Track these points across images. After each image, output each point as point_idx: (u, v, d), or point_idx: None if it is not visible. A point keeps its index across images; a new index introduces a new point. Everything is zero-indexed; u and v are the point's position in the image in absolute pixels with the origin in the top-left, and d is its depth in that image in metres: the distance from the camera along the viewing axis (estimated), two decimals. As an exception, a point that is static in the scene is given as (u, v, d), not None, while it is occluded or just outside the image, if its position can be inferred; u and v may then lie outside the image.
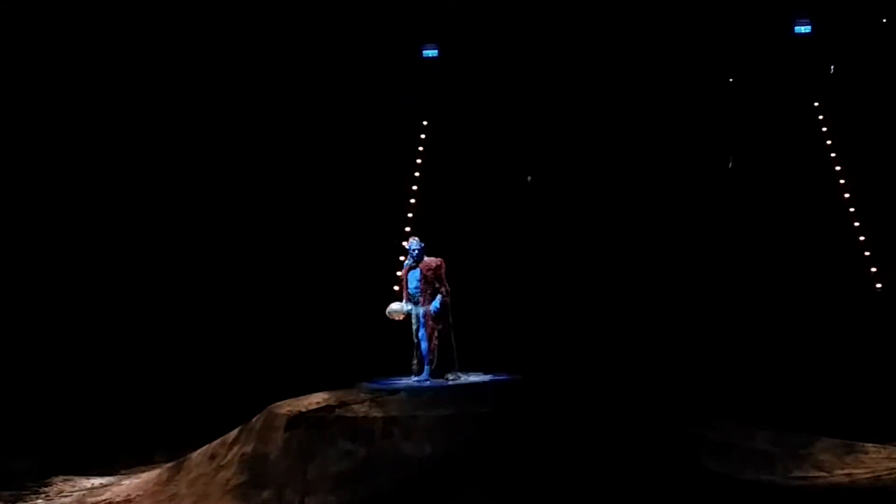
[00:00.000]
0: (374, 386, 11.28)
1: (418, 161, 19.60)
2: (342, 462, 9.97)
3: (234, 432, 10.97)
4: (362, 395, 10.90)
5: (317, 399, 10.91)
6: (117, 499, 10.87)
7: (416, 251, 11.56)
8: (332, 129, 19.51)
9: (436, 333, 11.40)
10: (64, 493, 11.33)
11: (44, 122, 18.42)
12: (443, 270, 11.47)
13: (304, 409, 10.60)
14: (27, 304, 16.31)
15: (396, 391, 11.01)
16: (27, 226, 17.28)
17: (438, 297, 11.42)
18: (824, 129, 19.35)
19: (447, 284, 11.44)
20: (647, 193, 18.20)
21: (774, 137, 19.02)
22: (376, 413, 10.37)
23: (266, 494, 9.96)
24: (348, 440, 10.10)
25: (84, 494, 11.24)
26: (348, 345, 15.40)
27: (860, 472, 10.83)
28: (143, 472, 11.93)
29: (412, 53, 20.52)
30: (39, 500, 11.13)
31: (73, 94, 18.80)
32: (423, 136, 20.11)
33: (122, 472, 12.24)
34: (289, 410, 10.62)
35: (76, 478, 11.96)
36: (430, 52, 20.64)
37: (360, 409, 10.46)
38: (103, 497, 11.02)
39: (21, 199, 17.55)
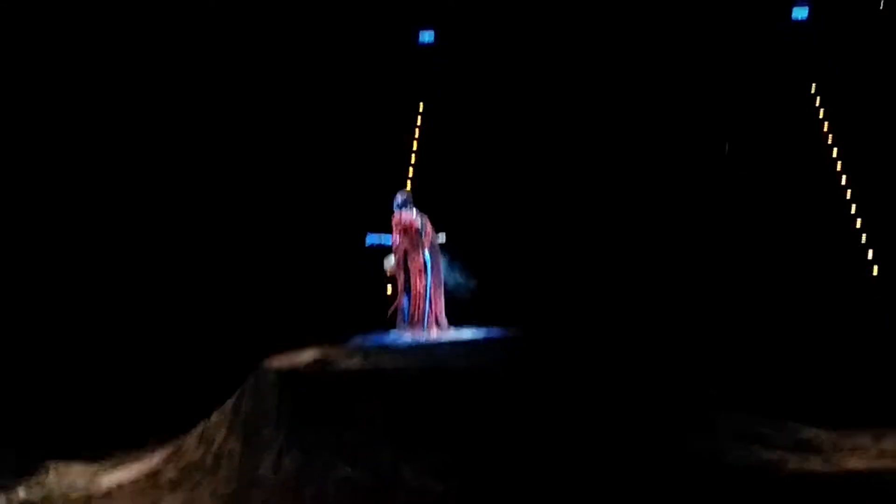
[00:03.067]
0: (366, 342, 11.27)
1: (414, 149, 19.53)
2: (334, 432, 9.89)
3: (226, 410, 10.81)
4: (353, 350, 10.86)
5: (308, 356, 10.84)
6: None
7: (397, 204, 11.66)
8: (328, 109, 19.50)
9: (401, 288, 11.60)
10: (50, 487, 11.22)
11: (41, 120, 18.44)
12: (401, 227, 11.57)
13: (295, 367, 10.56)
14: (12, 293, 16.30)
15: (389, 347, 11.03)
16: (15, 219, 17.26)
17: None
18: (820, 115, 19.26)
19: (402, 240, 11.56)
20: (642, 181, 18.14)
21: (771, 124, 18.93)
22: (369, 368, 10.35)
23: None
24: (341, 399, 10.05)
25: (67, 490, 11.15)
26: (340, 302, 15.55)
27: (856, 461, 10.77)
28: (135, 459, 11.78)
29: (407, 38, 20.39)
30: (21, 492, 11.00)
31: (71, 92, 18.85)
32: (418, 122, 20.04)
33: (116, 456, 12.12)
34: (278, 368, 10.55)
35: (64, 467, 11.84)
36: (427, 38, 20.47)
37: (352, 365, 10.43)
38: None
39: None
